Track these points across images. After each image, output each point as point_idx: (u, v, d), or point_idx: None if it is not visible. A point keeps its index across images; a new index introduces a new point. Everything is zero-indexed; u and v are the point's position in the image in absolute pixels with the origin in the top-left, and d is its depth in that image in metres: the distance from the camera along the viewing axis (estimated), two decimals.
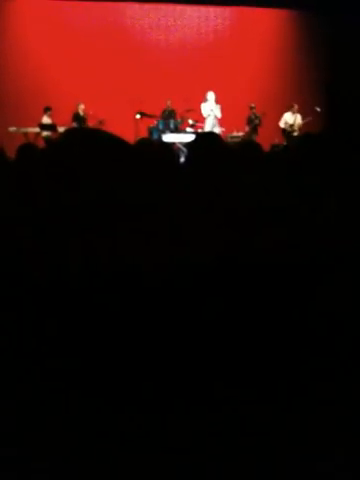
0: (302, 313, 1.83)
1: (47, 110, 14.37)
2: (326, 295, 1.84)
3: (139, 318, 1.81)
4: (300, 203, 2.04)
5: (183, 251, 1.85)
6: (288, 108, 15.08)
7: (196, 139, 2.69)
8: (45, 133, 14.04)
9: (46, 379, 1.78)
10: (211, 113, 14.13)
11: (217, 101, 14.16)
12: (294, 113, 15.03)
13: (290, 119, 14.99)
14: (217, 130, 13.84)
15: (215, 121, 14.18)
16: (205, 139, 2.64)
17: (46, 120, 14.34)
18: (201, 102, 14.23)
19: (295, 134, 14.64)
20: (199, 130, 13.90)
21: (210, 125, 14.08)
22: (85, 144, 2.05)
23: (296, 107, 15.06)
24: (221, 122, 14.20)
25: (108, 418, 1.78)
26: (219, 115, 14.17)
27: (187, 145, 11.68)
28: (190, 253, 1.85)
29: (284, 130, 14.87)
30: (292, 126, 14.83)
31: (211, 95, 14.20)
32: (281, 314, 1.84)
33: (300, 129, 14.70)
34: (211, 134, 2.88)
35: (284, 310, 1.84)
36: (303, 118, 14.95)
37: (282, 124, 14.97)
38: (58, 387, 1.78)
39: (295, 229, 1.94)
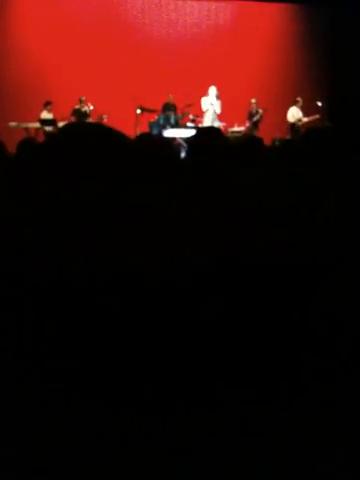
0: (302, 313, 1.83)
1: (47, 105, 14.34)
2: (326, 295, 1.84)
3: (139, 318, 1.81)
4: (300, 203, 2.04)
5: (183, 251, 1.85)
6: (293, 102, 15.01)
7: (197, 134, 2.68)
8: (46, 128, 14.02)
9: (46, 379, 1.78)
10: (210, 107, 14.09)
11: (219, 97, 14.11)
12: (299, 107, 14.97)
13: (297, 113, 14.92)
14: (216, 125, 13.81)
15: (214, 116, 14.14)
16: (206, 134, 2.63)
17: (46, 115, 14.32)
18: (202, 96, 14.19)
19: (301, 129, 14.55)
20: (200, 125, 13.87)
21: (209, 120, 14.04)
22: (85, 139, 2.05)
23: (301, 101, 15.00)
24: (221, 117, 14.16)
25: (108, 418, 1.78)
26: (218, 111, 14.11)
27: (188, 140, 11.65)
28: (190, 253, 1.84)
29: (293, 124, 14.77)
30: (300, 120, 14.77)
31: (213, 90, 14.16)
32: (281, 314, 1.84)
33: (304, 126, 14.62)
34: (212, 129, 2.87)
35: (284, 310, 1.84)
36: (307, 115, 14.86)
37: (291, 118, 14.87)
38: (58, 387, 1.78)
39: (295, 229, 1.94)
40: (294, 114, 14.86)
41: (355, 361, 1.83)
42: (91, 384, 1.79)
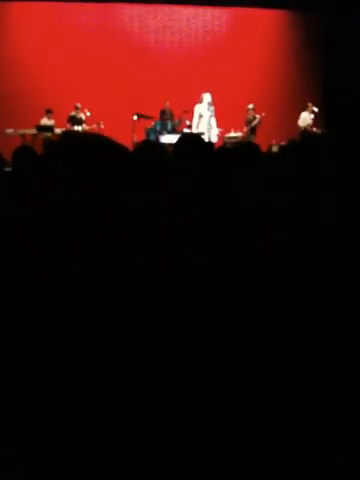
0: (303, 315, 1.84)
1: (48, 112, 14.32)
2: (327, 297, 1.85)
3: (140, 320, 1.81)
4: (300, 204, 2.04)
5: (184, 253, 1.85)
6: (304, 108, 14.99)
7: (179, 140, 2.68)
8: (43, 134, 13.99)
9: (46, 380, 1.79)
10: (205, 114, 14.03)
11: (212, 104, 14.04)
12: (311, 113, 14.94)
13: (308, 119, 14.89)
14: (213, 132, 13.82)
15: (209, 123, 14.05)
16: (188, 140, 2.65)
17: (46, 121, 14.29)
18: (196, 103, 14.12)
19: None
20: (195, 131, 13.84)
21: (204, 126, 13.97)
22: (85, 148, 2.06)
23: (311, 106, 14.96)
24: (218, 123, 14.12)
25: (109, 420, 1.78)
26: (213, 119, 14.01)
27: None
28: (191, 255, 1.85)
29: (305, 129, 14.72)
30: (310, 126, 14.74)
31: (207, 97, 14.10)
32: (282, 316, 1.84)
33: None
34: (194, 136, 2.88)
35: (285, 312, 1.84)
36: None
37: (301, 123, 14.85)
38: (58, 388, 1.79)
39: (296, 231, 1.94)
40: (306, 120, 14.79)
41: (355, 362, 1.83)
42: (92, 385, 1.80)
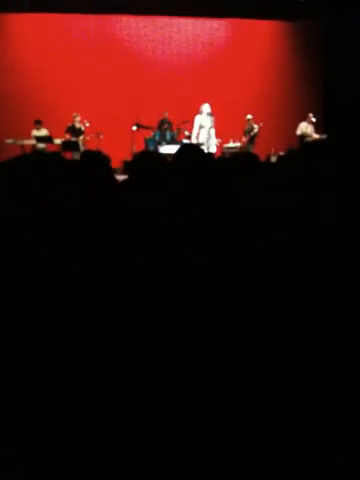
0: (303, 314, 1.84)
1: (37, 123, 14.31)
2: (326, 296, 1.85)
3: (140, 320, 1.81)
4: (300, 204, 2.05)
5: (184, 253, 1.85)
6: (303, 118, 15.08)
7: (179, 150, 2.69)
8: (40, 145, 14.01)
9: (47, 380, 1.78)
10: (206, 124, 14.07)
11: (211, 114, 14.07)
12: (310, 123, 15.02)
13: (306, 128, 14.98)
14: (213, 142, 13.85)
15: (209, 133, 14.07)
16: (187, 151, 2.65)
17: (36, 133, 14.29)
18: (196, 113, 14.17)
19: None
20: (196, 141, 13.87)
21: (204, 137, 14.00)
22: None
23: (311, 117, 15.04)
24: (216, 133, 14.15)
25: (109, 420, 1.78)
26: (212, 129, 14.04)
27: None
28: (191, 255, 1.85)
29: (301, 138, 14.82)
30: (309, 136, 14.82)
31: (206, 107, 14.13)
32: (282, 315, 1.84)
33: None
34: (193, 146, 2.90)
35: (285, 311, 1.84)
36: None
37: (298, 131, 14.97)
38: (58, 388, 1.78)
39: (296, 231, 1.94)
40: (302, 129, 14.88)
41: (355, 362, 1.83)
42: (92, 385, 1.79)
